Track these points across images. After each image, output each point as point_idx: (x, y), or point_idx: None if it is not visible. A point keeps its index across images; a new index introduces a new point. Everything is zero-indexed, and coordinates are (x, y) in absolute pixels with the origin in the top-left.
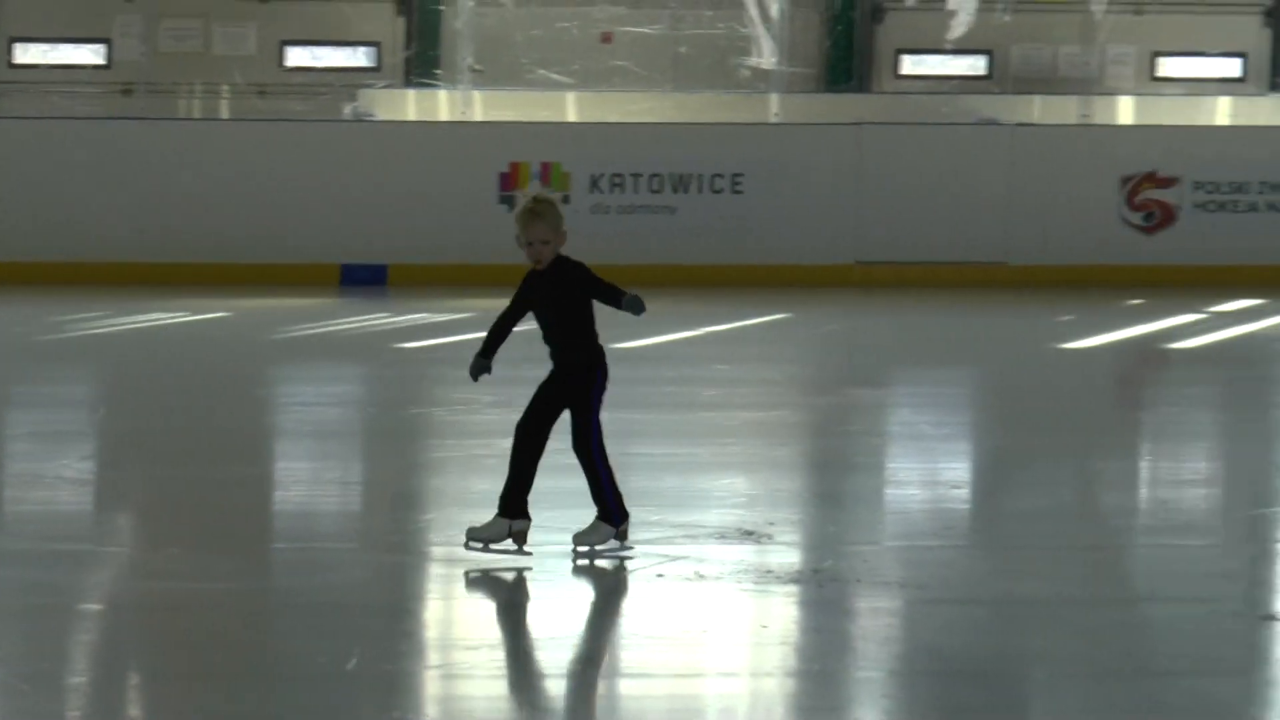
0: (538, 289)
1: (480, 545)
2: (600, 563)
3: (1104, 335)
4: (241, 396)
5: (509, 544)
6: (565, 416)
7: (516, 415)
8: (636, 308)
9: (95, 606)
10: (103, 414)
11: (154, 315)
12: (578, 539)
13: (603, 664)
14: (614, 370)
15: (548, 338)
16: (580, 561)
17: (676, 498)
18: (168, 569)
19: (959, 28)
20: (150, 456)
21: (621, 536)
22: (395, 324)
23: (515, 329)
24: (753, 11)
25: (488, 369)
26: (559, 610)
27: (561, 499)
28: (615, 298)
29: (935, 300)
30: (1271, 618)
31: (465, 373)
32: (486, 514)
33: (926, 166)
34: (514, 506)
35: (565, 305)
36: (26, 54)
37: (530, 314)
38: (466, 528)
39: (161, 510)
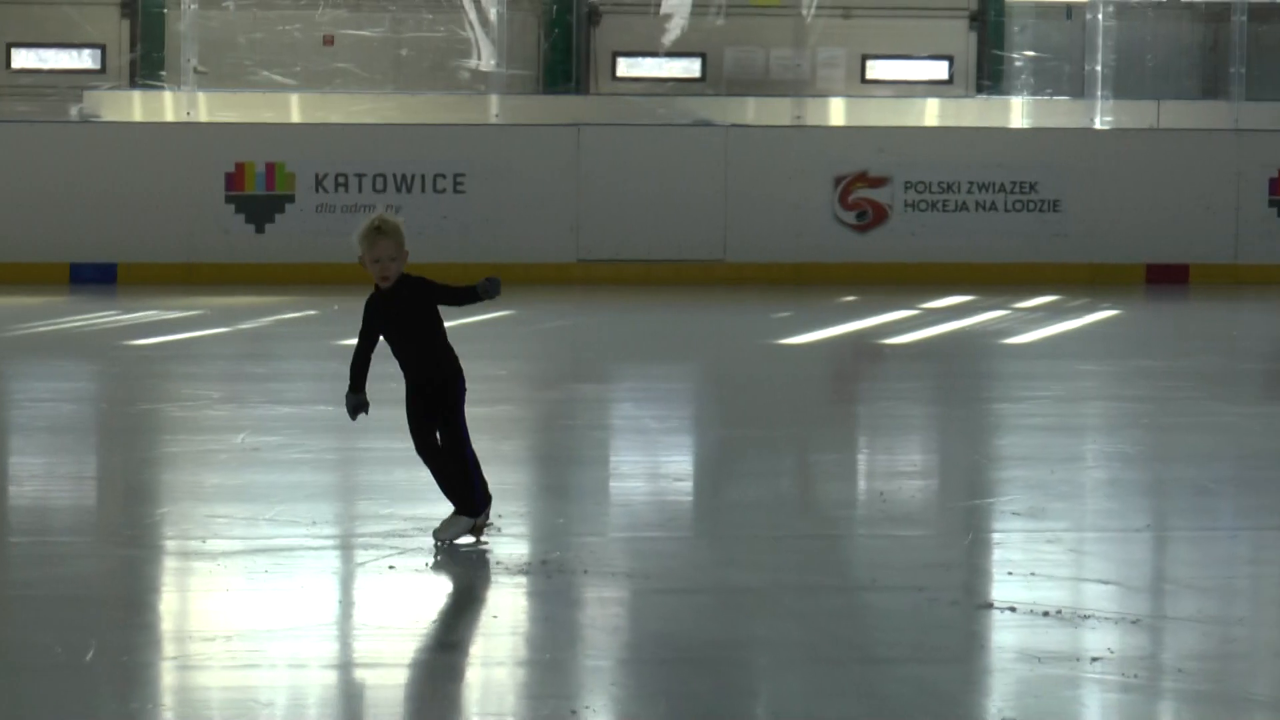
0: (384, 310)
1: (444, 543)
2: (331, 555)
3: (820, 331)
4: None
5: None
6: None
7: (246, 410)
8: (493, 290)
9: None
10: None
11: None
12: (438, 533)
13: (336, 655)
14: (338, 368)
15: (402, 356)
16: (314, 554)
17: (405, 491)
18: None
19: (673, 31)
20: None
21: (477, 531)
22: (125, 321)
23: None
24: (471, 15)
25: (364, 405)
26: (292, 602)
27: (292, 492)
28: (469, 294)
29: (655, 297)
30: (988, 606)
31: (196, 369)
32: (222, 507)
33: (644, 166)
34: (473, 504)
35: (418, 321)
36: None
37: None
38: (432, 530)
39: None
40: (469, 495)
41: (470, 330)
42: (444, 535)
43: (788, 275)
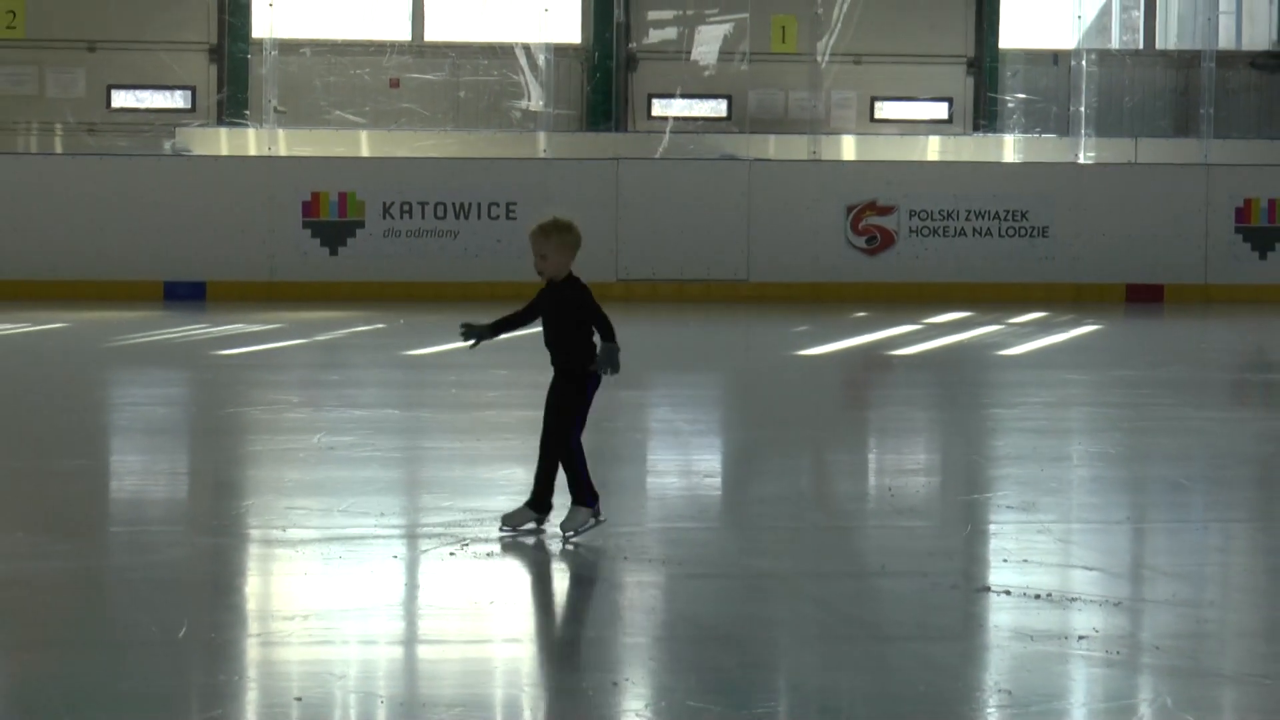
0: (543, 300)
1: (573, 534)
2: (398, 543)
3: (834, 343)
4: (78, 397)
5: (590, 523)
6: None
7: (322, 413)
8: (605, 365)
9: None
10: None
11: None
12: (564, 525)
13: (402, 632)
14: (404, 376)
15: (546, 343)
16: (382, 542)
17: (464, 486)
18: (12, 550)
19: (702, 76)
20: None
21: (596, 515)
22: (213, 334)
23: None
24: (522, 61)
25: (479, 336)
26: (363, 585)
27: (363, 486)
28: (601, 332)
29: (687, 312)
30: (985, 589)
31: (277, 376)
32: (300, 500)
33: (676, 196)
34: (586, 493)
35: (561, 318)
36: None
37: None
38: (559, 524)
39: (6, 498)
40: (580, 486)
41: (522, 341)
42: (569, 527)
43: (805, 293)
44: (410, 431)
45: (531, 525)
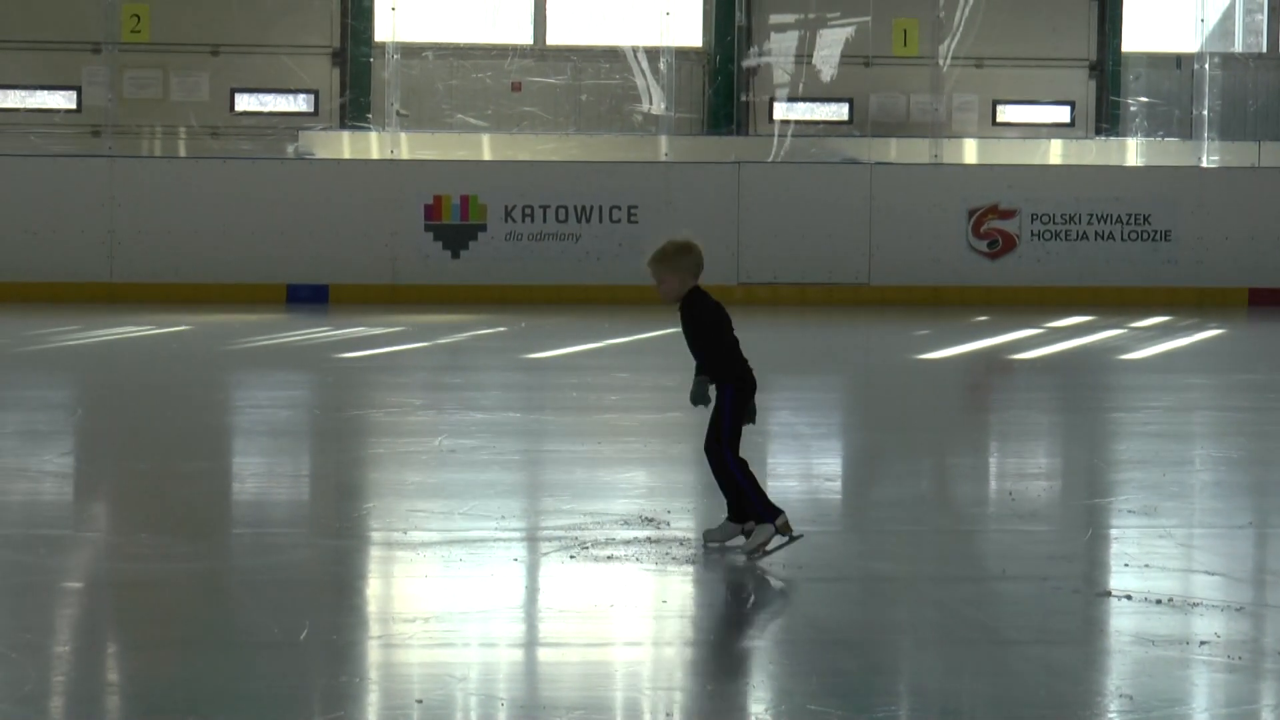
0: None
1: (756, 553)
2: (518, 546)
3: (955, 347)
4: (202, 399)
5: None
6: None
7: (443, 416)
8: (694, 398)
9: (75, 584)
10: (79, 415)
11: (123, 329)
12: (744, 547)
13: (523, 635)
14: (526, 379)
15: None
16: (502, 545)
17: (584, 489)
18: (138, 551)
19: (823, 79)
20: (122, 452)
21: (783, 530)
22: (335, 336)
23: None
24: (644, 65)
25: (704, 393)
26: (484, 588)
27: (484, 489)
28: (704, 361)
29: (808, 316)
30: (1106, 594)
31: (399, 379)
32: (421, 502)
33: (797, 200)
34: (760, 510)
35: (690, 335)
36: (7, 99)
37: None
38: (742, 549)
39: (132, 500)
40: (750, 502)
41: (641, 345)
42: (749, 548)
43: (926, 297)
44: (531, 434)
45: (739, 540)
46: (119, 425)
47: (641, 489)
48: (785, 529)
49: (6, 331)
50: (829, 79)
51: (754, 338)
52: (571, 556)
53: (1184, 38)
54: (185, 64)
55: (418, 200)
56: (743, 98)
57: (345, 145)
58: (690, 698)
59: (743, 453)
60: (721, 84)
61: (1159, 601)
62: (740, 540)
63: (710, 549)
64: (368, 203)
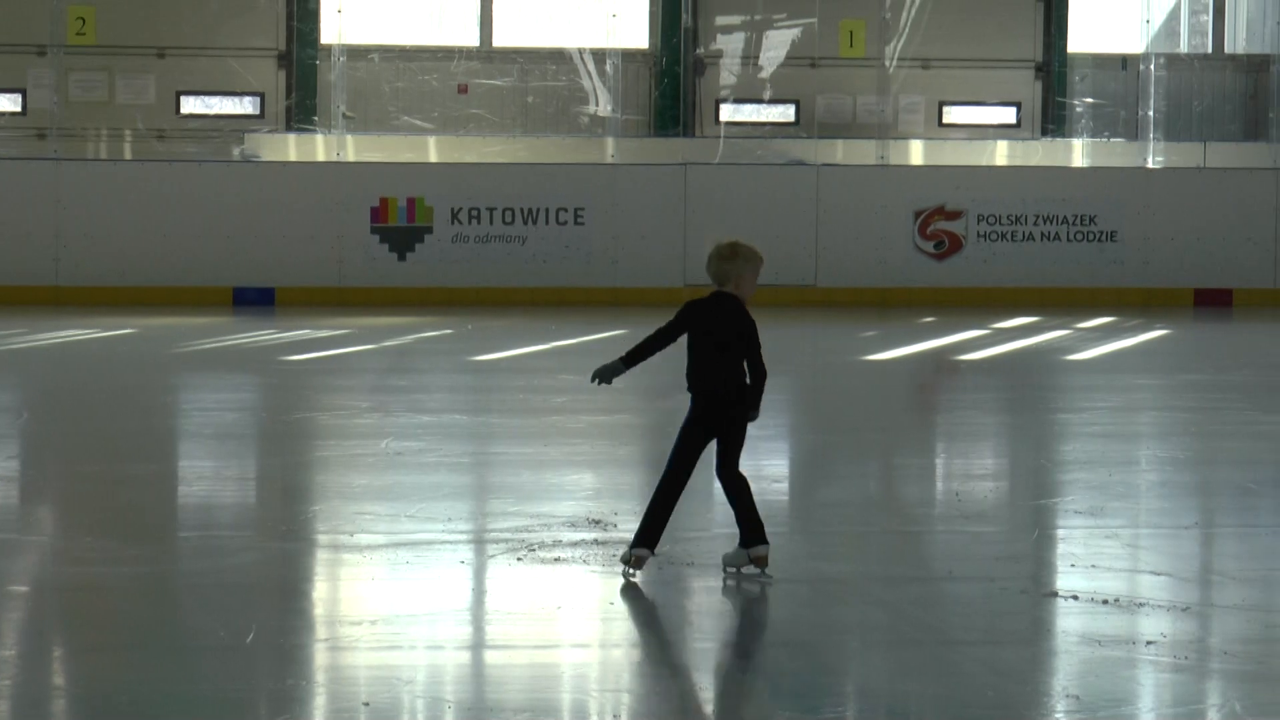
0: (699, 315)
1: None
2: (465, 549)
3: (902, 348)
4: (148, 402)
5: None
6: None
7: (390, 418)
8: (603, 374)
9: (20, 589)
10: (25, 419)
11: (69, 332)
12: (727, 559)
13: (470, 637)
14: (472, 381)
15: (704, 366)
16: (449, 548)
17: (531, 491)
18: (84, 555)
19: (770, 81)
20: (68, 455)
21: (759, 562)
22: (282, 339)
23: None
24: (590, 66)
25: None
26: (431, 590)
27: (430, 492)
28: (728, 375)
29: (755, 317)
30: (1052, 594)
31: (346, 381)
32: (368, 505)
33: (745, 201)
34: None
35: (730, 338)
36: None
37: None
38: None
39: (78, 503)
40: (757, 521)
41: (588, 347)
42: (730, 564)
43: (873, 298)
44: (478, 437)
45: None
46: (65, 429)
47: (588, 491)
48: (633, 561)
49: None
50: (773, 81)
51: None
52: (518, 559)
53: (1129, 39)
54: (131, 66)
55: (364, 203)
56: (689, 100)
57: (291, 148)
58: (637, 699)
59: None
60: (668, 86)
61: (1105, 602)
62: (751, 568)
63: (727, 573)
64: (314, 205)
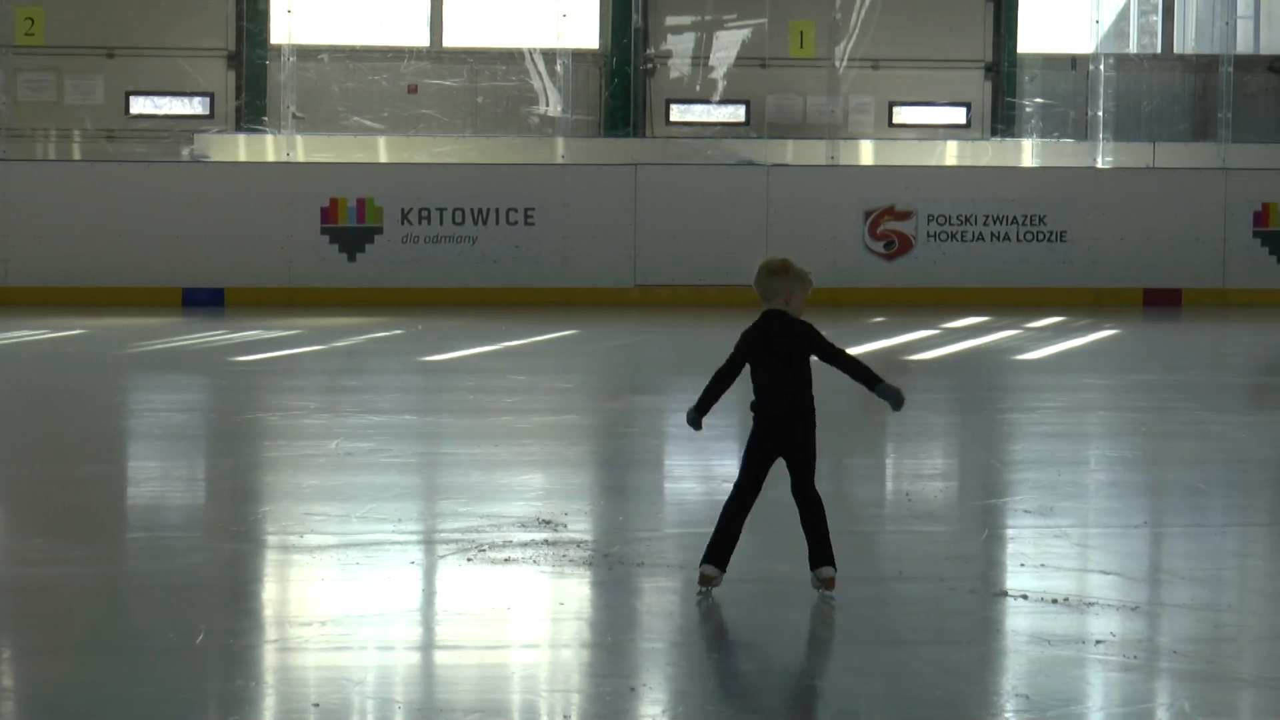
0: (761, 337)
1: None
2: (415, 549)
3: (851, 348)
4: (98, 403)
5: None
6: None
7: (340, 419)
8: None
9: None
10: None
11: (17, 333)
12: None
13: (420, 638)
14: (422, 381)
15: (768, 384)
16: (399, 548)
17: (481, 492)
18: (33, 556)
19: (720, 81)
20: (16, 456)
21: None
22: (231, 340)
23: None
24: (540, 66)
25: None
26: (381, 591)
27: (380, 492)
28: (803, 385)
29: (706, 318)
30: (1002, 594)
31: (296, 382)
32: (318, 505)
33: (695, 201)
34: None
35: (801, 353)
36: None
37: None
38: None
39: (27, 504)
40: (826, 543)
41: (538, 348)
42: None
43: (823, 298)
44: (428, 437)
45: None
46: (13, 429)
47: (538, 491)
48: (700, 579)
49: None
50: (724, 81)
51: (651, 340)
52: (469, 559)
53: (1079, 39)
54: (80, 67)
55: (314, 203)
56: (639, 100)
57: (241, 148)
58: (587, 700)
59: (641, 454)
60: (618, 86)
61: (1055, 601)
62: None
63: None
64: (263, 206)
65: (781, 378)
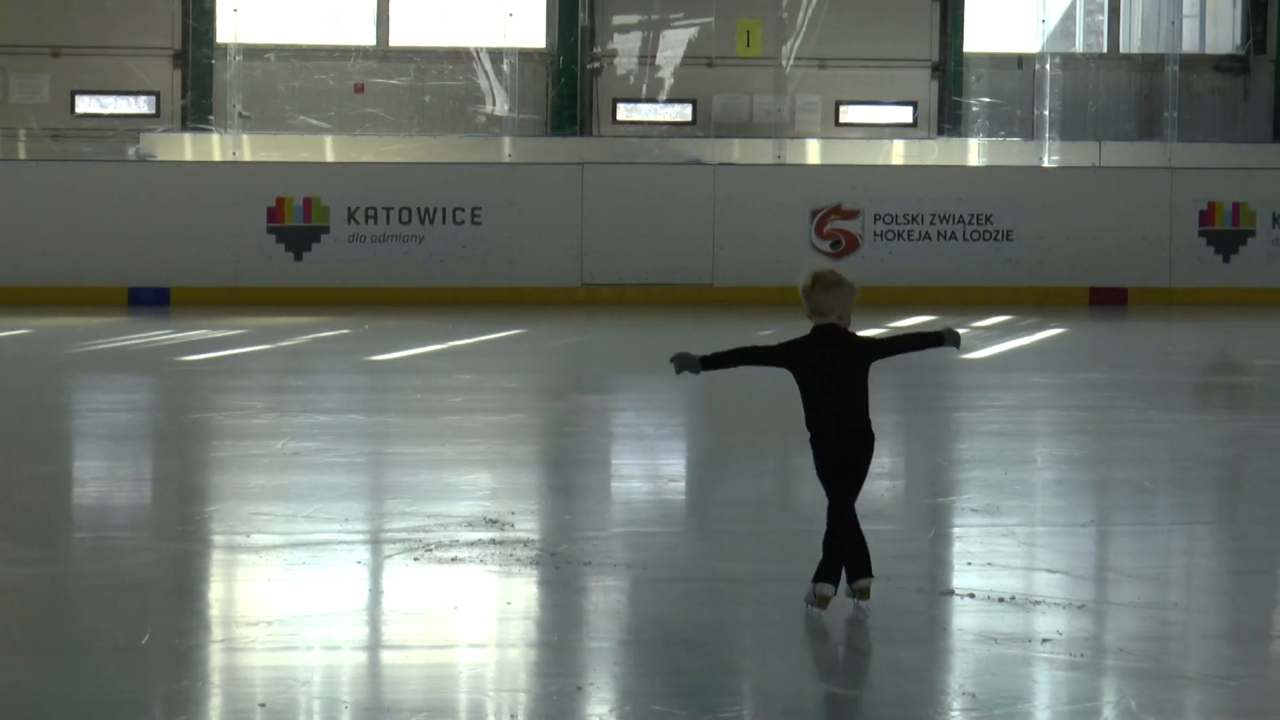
0: (815, 350)
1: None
2: (362, 549)
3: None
4: (43, 403)
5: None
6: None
7: (286, 418)
8: (682, 363)
9: None
10: None
11: None
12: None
13: (367, 638)
14: (369, 381)
15: (828, 400)
16: (346, 548)
17: (428, 491)
18: None
19: (667, 80)
20: None
21: (812, 600)
22: (177, 339)
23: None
24: (487, 66)
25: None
26: (328, 591)
27: (327, 492)
28: (863, 403)
29: (652, 317)
30: (949, 593)
31: (242, 382)
32: (264, 505)
33: (641, 200)
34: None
35: (856, 365)
36: None
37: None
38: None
39: None
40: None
41: (485, 347)
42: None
43: (770, 297)
44: (375, 437)
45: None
46: None
47: (485, 491)
48: (817, 600)
49: None
50: (670, 79)
51: (598, 339)
52: (415, 559)
53: (1025, 38)
54: (25, 66)
55: (260, 202)
56: (586, 99)
57: (187, 147)
58: (534, 699)
59: (588, 453)
60: (565, 85)
61: (1002, 600)
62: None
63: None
64: (210, 205)
65: (833, 397)
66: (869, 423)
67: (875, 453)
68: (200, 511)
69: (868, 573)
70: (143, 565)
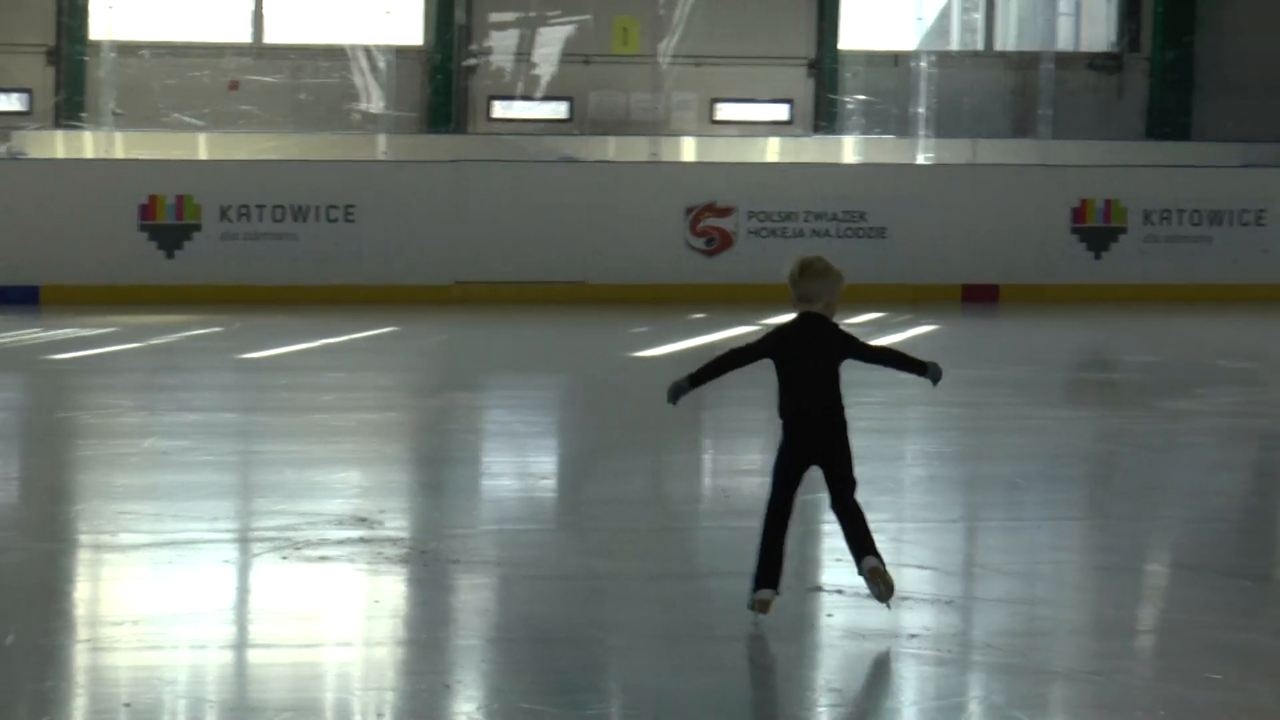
0: (792, 337)
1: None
2: (230, 548)
3: (672, 345)
4: None
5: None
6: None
7: (155, 417)
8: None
9: None
10: None
11: None
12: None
13: (233, 637)
14: (240, 379)
15: (802, 391)
16: (214, 547)
17: (297, 489)
18: None
19: (543, 77)
20: None
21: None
22: (46, 338)
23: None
24: (362, 63)
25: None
26: (194, 590)
27: (195, 491)
28: (835, 390)
29: (526, 315)
30: (817, 589)
31: (111, 380)
32: (131, 504)
33: (516, 198)
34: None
35: (833, 356)
36: None
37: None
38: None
39: None
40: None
41: (357, 345)
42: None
43: (644, 295)
44: (245, 435)
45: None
46: None
47: (355, 489)
48: (756, 605)
49: None
50: (547, 77)
51: (471, 338)
52: (284, 557)
53: (902, 36)
54: None
55: (132, 200)
56: (462, 97)
57: (59, 145)
58: (402, 697)
59: (458, 451)
60: (441, 82)
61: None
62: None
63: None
64: (81, 203)
65: (812, 383)
66: (839, 411)
67: (746, 449)
68: (67, 511)
69: (872, 551)
70: (8, 565)
